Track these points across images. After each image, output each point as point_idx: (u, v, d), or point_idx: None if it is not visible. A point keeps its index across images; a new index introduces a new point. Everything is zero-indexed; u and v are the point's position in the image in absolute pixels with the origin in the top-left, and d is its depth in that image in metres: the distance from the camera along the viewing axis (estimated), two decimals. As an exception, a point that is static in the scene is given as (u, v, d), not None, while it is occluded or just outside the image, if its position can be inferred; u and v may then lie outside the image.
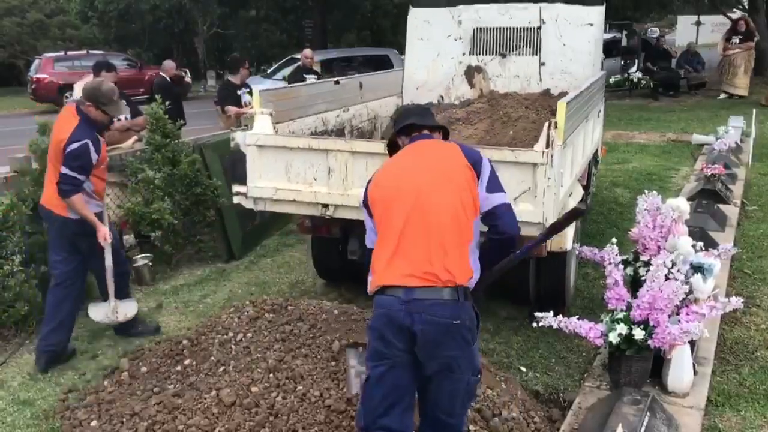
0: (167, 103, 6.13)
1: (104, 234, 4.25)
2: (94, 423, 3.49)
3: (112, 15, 27.11)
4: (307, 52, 9.83)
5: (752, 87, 15.70)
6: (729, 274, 5.16)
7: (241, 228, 6.36)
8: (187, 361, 3.82)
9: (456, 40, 6.35)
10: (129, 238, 6.04)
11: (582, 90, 4.53)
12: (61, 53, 22.23)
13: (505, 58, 6.26)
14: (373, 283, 2.61)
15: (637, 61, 17.25)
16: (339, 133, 5.50)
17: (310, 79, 8.73)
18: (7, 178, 5.12)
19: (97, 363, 4.33)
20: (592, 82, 5.05)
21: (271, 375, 3.46)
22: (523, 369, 4.10)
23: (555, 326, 3.42)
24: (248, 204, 4.46)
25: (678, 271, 3.33)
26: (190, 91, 21.27)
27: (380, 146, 4.00)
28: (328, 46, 25.63)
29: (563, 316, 3.48)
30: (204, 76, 26.92)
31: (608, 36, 15.44)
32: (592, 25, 6.00)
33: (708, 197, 6.72)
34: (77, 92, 5.80)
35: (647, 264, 3.75)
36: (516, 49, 6.23)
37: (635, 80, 16.46)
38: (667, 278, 3.30)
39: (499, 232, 2.69)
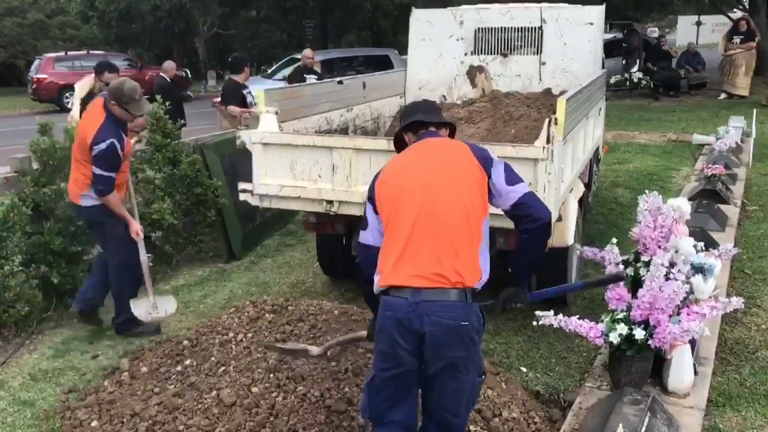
0: (167, 103, 6.13)
1: (136, 229, 4.44)
2: (94, 423, 3.49)
3: (113, 15, 27.13)
4: (308, 52, 9.84)
5: (753, 87, 15.69)
6: (729, 275, 5.16)
7: (241, 228, 6.37)
8: (187, 362, 3.81)
9: (458, 40, 6.40)
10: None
11: (582, 87, 4.57)
12: (62, 53, 22.27)
13: (507, 58, 6.32)
14: (379, 282, 2.59)
15: (638, 60, 17.26)
16: (343, 132, 5.54)
17: (311, 79, 8.74)
18: (7, 178, 5.13)
19: (98, 363, 4.32)
20: (592, 79, 5.09)
21: (271, 375, 3.46)
22: (524, 369, 4.09)
23: (555, 326, 3.42)
24: (254, 201, 4.53)
25: (678, 271, 3.33)
26: (190, 90, 21.29)
27: (383, 143, 4.07)
28: (329, 46, 25.66)
29: (564, 316, 3.48)
30: (204, 76, 26.95)
31: (609, 36, 15.46)
32: (592, 24, 6.06)
33: (708, 197, 6.72)
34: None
35: (648, 264, 3.74)
36: (517, 48, 6.28)
37: (636, 80, 16.46)
38: (667, 278, 3.30)
39: (534, 219, 2.64)
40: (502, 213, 2.72)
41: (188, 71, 23.86)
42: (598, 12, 6.11)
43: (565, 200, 4.25)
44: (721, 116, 12.27)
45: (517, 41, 6.26)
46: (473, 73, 6.40)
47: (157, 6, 25.79)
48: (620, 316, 3.41)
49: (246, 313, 4.12)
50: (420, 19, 6.49)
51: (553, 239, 4.00)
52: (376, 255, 2.66)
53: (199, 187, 5.93)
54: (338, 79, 6.12)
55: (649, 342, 3.31)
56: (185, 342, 4.04)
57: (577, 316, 3.51)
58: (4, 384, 4.09)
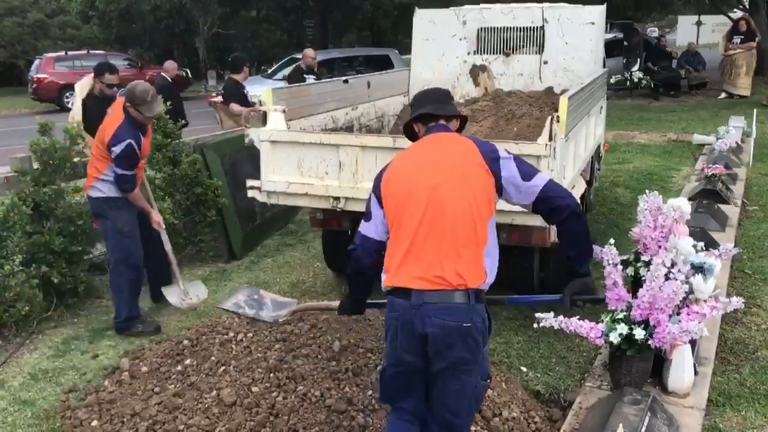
0: (168, 103, 6.13)
1: (158, 220, 4.72)
2: (94, 423, 3.49)
3: (113, 15, 27.12)
4: (311, 52, 9.82)
5: (753, 87, 15.69)
6: (730, 274, 5.16)
7: (241, 228, 6.37)
8: (187, 361, 3.81)
9: (461, 40, 6.46)
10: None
11: (584, 85, 4.63)
12: (62, 53, 22.28)
13: (509, 57, 6.38)
14: (385, 282, 2.62)
15: (639, 60, 17.26)
16: (348, 130, 5.61)
17: (309, 79, 8.75)
18: (7, 178, 5.13)
19: (98, 363, 4.32)
20: (593, 78, 5.14)
21: (271, 375, 3.46)
22: (524, 369, 4.10)
23: (556, 326, 3.41)
24: (262, 198, 4.64)
25: (678, 271, 3.33)
26: (189, 89, 21.31)
27: (389, 141, 4.17)
28: (329, 46, 25.66)
29: (564, 317, 3.48)
30: (205, 76, 26.94)
31: (609, 36, 15.46)
32: (593, 24, 6.12)
33: (709, 197, 6.72)
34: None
35: (648, 264, 3.74)
36: (519, 48, 6.35)
37: (636, 80, 16.46)
38: (667, 278, 3.29)
39: (561, 210, 2.64)
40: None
41: (188, 71, 23.87)
42: (599, 12, 6.18)
43: None
44: (722, 116, 12.26)
45: (519, 41, 6.33)
46: (476, 72, 6.46)
47: (158, 6, 25.78)
48: (620, 316, 3.41)
49: (246, 313, 4.12)
50: (423, 19, 6.57)
51: (554, 235, 4.10)
52: (374, 247, 2.70)
53: (199, 187, 5.93)
54: (343, 78, 6.17)
55: (649, 342, 3.31)
56: (185, 342, 4.04)
57: (578, 316, 3.51)
58: (4, 384, 4.09)
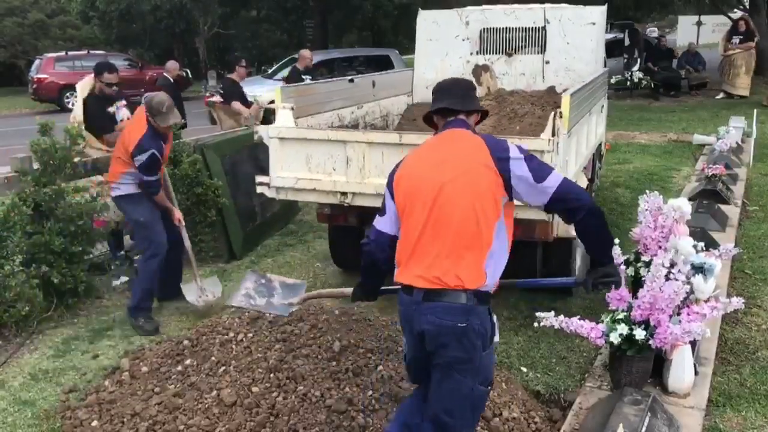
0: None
1: (178, 216, 4.93)
2: (94, 423, 3.49)
3: (113, 15, 27.13)
4: (307, 53, 9.82)
5: (753, 87, 15.69)
6: (730, 275, 5.16)
7: (242, 228, 6.37)
8: (187, 361, 3.82)
9: (464, 40, 6.52)
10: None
11: (586, 84, 4.71)
12: (62, 53, 22.27)
13: (511, 57, 6.44)
14: (395, 277, 2.68)
15: (639, 60, 17.26)
16: (353, 128, 5.65)
17: (306, 80, 8.77)
18: (7, 178, 5.12)
19: (98, 363, 4.32)
20: (595, 77, 5.22)
21: (271, 375, 3.46)
22: (524, 369, 4.10)
23: (556, 326, 3.41)
24: (270, 193, 4.72)
25: (679, 271, 3.33)
26: (189, 89, 21.26)
27: (395, 137, 4.28)
28: (329, 46, 25.67)
29: (564, 317, 3.48)
30: (205, 76, 26.92)
31: (610, 36, 15.48)
32: (594, 24, 6.20)
33: (709, 197, 6.72)
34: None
35: (648, 264, 3.74)
36: (521, 48, 6.42)
37: (636, 80, 16.46)
38: (667, 278, 3.29)
39: (575, 210, 2.62)
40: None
41: (189, 71, 23.85)
42: (600, 12, 6.25)
43: None
44: (722, 116, 12.27)
45: (522, 41, 6.40)
46: (479, 72, 6.52)
47: (158, 6, 25.78)
48: (621, 316, 3.41)
49: (246, 313, 4.12)
50: (427, 19, 6.64)
51: (558, 229, 4.20)
52: (387, 242, 2.74)
53: (199, 187, 5.93)
54: (349, 77, 6.21)
55: (650, 342, 3.31)
56: (186, 342, 4.04)
57: (578, 316, 3.51)
58: (4, 384, 4.09)
